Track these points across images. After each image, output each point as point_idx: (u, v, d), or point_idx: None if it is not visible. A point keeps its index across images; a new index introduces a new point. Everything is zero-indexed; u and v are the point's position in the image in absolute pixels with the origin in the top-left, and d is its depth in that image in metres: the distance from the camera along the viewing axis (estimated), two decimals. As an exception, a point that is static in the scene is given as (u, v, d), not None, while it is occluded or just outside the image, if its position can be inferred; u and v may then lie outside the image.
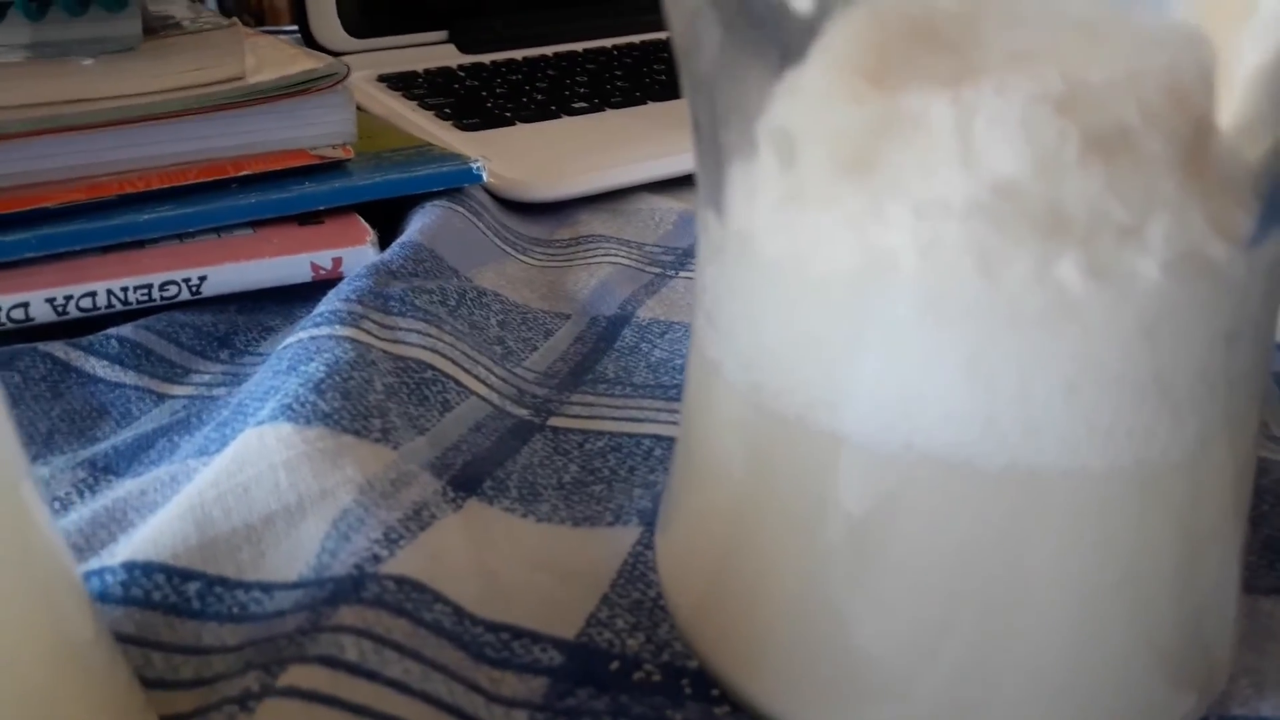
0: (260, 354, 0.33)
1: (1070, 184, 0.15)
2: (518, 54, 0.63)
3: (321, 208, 0.37)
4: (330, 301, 0.30)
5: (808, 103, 0.16)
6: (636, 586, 0.23)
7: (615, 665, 0.21)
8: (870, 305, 0.16)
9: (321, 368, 0.26)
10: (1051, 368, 0.15)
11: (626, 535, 0.24)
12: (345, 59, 0.61)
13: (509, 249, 0.40)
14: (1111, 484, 0.16)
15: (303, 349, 0.28)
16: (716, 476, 0.20)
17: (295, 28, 0.65)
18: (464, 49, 0.65)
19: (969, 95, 0.15)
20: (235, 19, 0.38)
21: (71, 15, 0.33)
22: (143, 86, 0.35)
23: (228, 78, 0.37)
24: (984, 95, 0.15)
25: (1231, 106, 0.15)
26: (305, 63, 0.39)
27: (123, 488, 0.25)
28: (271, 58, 0.40)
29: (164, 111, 0.35)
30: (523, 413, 0.29)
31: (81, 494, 0.26)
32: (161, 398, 0.30)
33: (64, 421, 0.29)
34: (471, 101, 0.55)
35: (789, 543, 0.18)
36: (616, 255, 0.40)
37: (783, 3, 0.15)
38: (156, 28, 0.40)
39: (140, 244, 0.34)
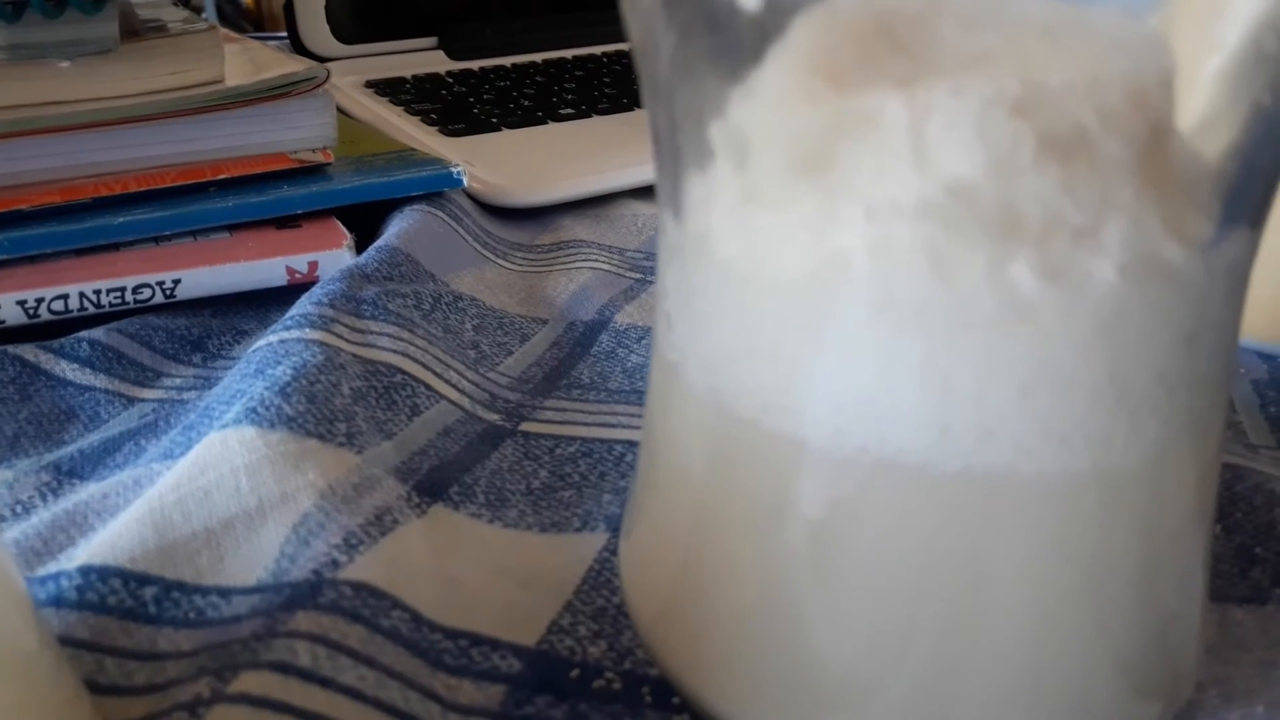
0: (233, 358, 0.33)
1: (1024, 186, 0.14)
2: (507, 61, 0.63)
3: (299, 212, 0.37)
4: (302, 305, 0.30)
5: (764, 104, 0.16)
6: (601, 593, 0.22)
7: (575, 673, 0.20)
8: (824, 307, 0.16)
9: (288, 371, 0.26)
10: (1005, 370, 0.15)
11: (593, 541, 0.24)
12: (333, 64, 0.61)
13: (489, 254, 0.39)
14: (1069, 488, 0.16)
15: (271, 352, 0.28)
16: (677, 481, 0.19)
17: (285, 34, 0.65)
18: (453, 55, 0.64)
19: (923, 96, 0.15)
20: (214, 22, 0.38)
21: (47, 17, 0.33)
22: (120, 89, 0.35)
23: (206, 81, 0.37)
24: (939, 96, 0.14)
25: (1192, 107, 0.15)
26: (286, 66, 0.39)
27: (85, 491, 0.25)
28: (254, 61, 0.40)
29: (141, 114, 0.35)
30: (494, 418, 0.29)
31: (45, 497, 0.25)
32: (131, 401, 0.30)
33: (31, 425, 0.28)
34: (458, 107, 0.55)
35: (748, 548, 0.18)
36: (597, 260, 0.39)
37: (733, 5, 0.15)
38: (140, 30, 0.40)
39: (115, 246, 0.34)
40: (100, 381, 0.30)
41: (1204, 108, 0.15)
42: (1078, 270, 0.14)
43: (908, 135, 0.15)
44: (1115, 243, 0.15)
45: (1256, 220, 0.16)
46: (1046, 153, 0.14)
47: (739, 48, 0.16)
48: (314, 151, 0.39)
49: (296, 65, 0.39)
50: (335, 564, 0.21)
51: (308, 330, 0.28)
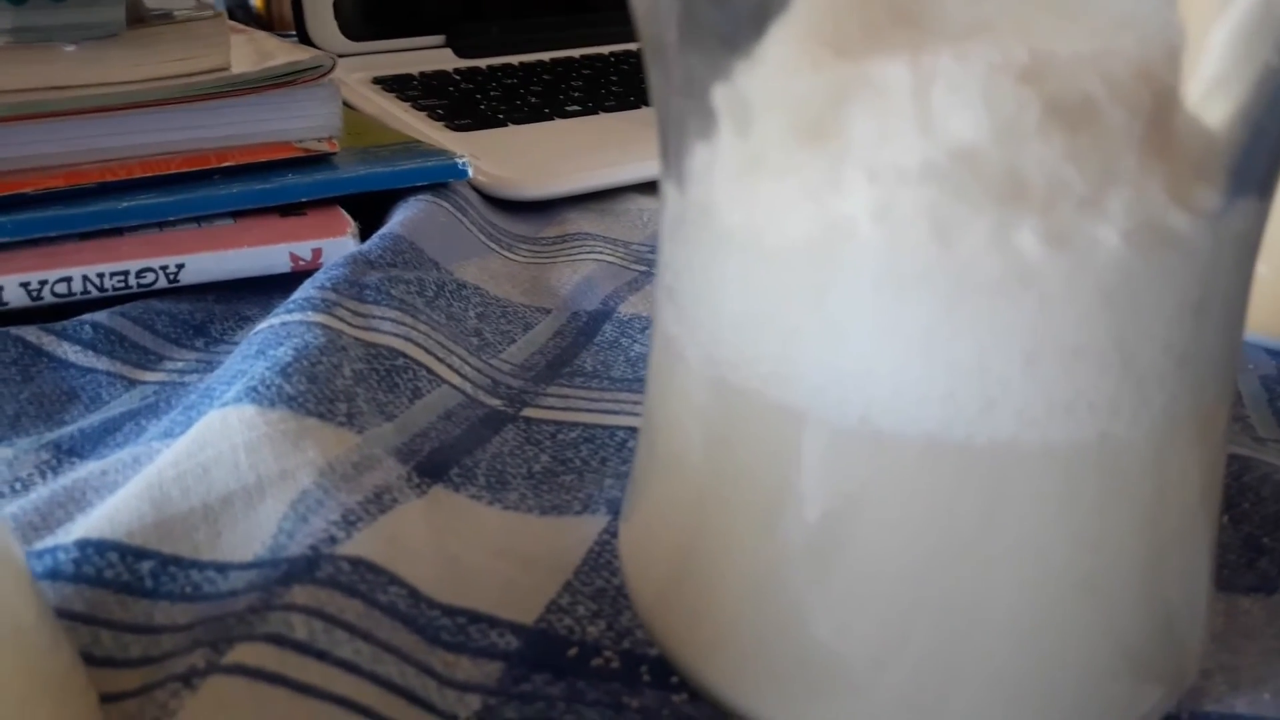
0: (235, 342, 0.32)
1: (1029, 152, 0.14)
2: (514, 59, 0.63)
3: (304, 200, 0.37)
4: (305, 289, 0.30)
5: (768, 71, 0.16)
6: (601, 574, 0.22)
7: (574, 651, 0.20)
8: (826, 274, 0.15)
9: (290, 352, 0.26)
10: (1008, 337, 0.15)
11: (594, 524, 0.24)
12: (341, 61, 0.62)
13: (493, 245, 0.39)
14: (1073, 459, 0.16)
15: (273, 334, 0.28)
16: (677, 459, 0.19)
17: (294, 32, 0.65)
18: (461, 53, 0.65)
19: (929, 61, 0.14)
20: (221, 11, 0.38)
21: (53, 1, 0.33)
22: (125, 74, 0.35)
23: (212, 68, 0.37)
24: (944, 61, 0.14)
25: (1201, 73, 0.15)
26: (292, 55, 0.39)
27: (85, 469, 0.25)
28: (260, 50, 0.40)
29: (146, 100, 0.35)
30: (496, 403, 0.29)
31: (44, 475, 0.25)
32: (133, 383, 0.30)
33: (32, 405, 0.28)
34: (465, 103, 0.55)
35: (749, 525, 0.18)
36: (601, 252, 0.39)
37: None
38: (147, 19, 0.40)
39: (119, 231, 0.34)
40: (102, 364, 0.30)
41: (1213, 72, 0.15)
42: (1082, 237, 0.14)
43: (912, 100, 0.14)
44: (1120, 210, 0.14)
45: (1265, 190, 0.16)
46: (1052, 120, 0.14)
47: (743, 15, 0.16)
48: (319, 140, 0.39)
49: (303, 54, 0.39)
50: (333, 540, 0.21)
51: (310, 313, 0.28)
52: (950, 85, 0.14)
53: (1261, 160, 0.15)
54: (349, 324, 0.28)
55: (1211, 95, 0.15)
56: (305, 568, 0.20)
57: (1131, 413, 0.15)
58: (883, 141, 0.15)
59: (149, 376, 0.30)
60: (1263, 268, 0.34)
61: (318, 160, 0.39)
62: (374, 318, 0.29)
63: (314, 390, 0.25)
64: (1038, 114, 0.14)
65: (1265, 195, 0.16)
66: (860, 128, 0.15)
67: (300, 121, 0.38)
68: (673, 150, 0.18)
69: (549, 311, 0.35)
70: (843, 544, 0.17)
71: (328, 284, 0.30)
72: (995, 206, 0.14)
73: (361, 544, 0.21)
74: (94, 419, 0.28)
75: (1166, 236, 0.15)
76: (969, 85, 0.14)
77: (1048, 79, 0.14)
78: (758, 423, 0.17)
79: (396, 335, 0.29)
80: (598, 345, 0.33)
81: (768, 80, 0.16)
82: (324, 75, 0.38)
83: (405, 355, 0.28)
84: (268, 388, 0.25)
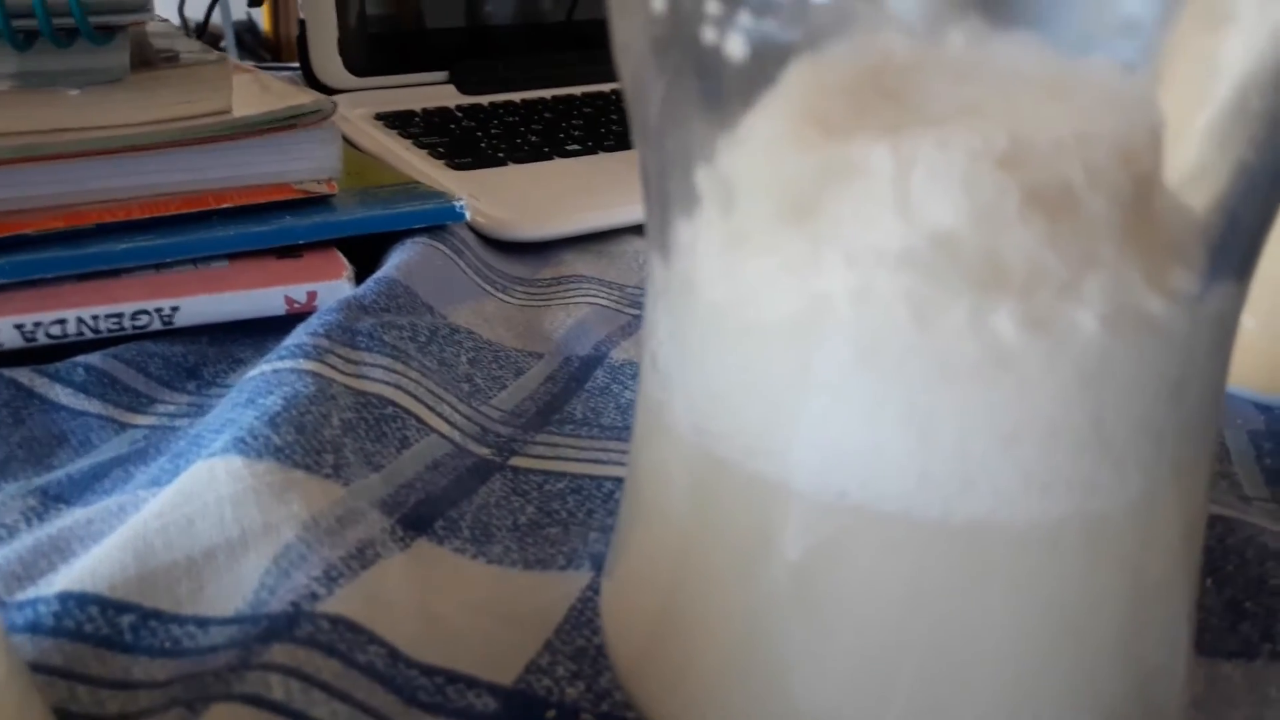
0: (228, 385, 0.33)
1: (1008, 238, 0.14)
2: (516, 96, 0.64)
3: (300, 242, 0.37)
4: (298, 335, 0.30)
5: (751, 151, 0.16)
6: (582, 633, 0.22)
7: (551, 714, 0.20)
8: (806, 352, 0.16)
9: (279, 401, 0.26)
10: (988, 419, 0.15)
11: (578, 579, 0.24)
12: (344, 96, 0.62)
13: (489, 287, 0.39)
14: (1050, 536, 0.16)
15: (264, 382, 0.28)
16: (659, 521, 0.19)
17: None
18: (464, 90, 0.65)
19: (909, 146, 0.15)
20: (225, 54, 0.38)
21: (58, 46, 0.34)
22: (128, 117, 0.35)
23: (213, 111, 0.37)
24: (925, 147, 0.14)
25: (1179, 163, 0.15)
26: (293, 98, 0.39)
27: (70, 516, 0.25)
28: (263, 92, 0.41)
29: (148, 142, 0.35)
30: (484, 451, 0.29)
31: (29, 522, 0.25)
32: (123, 427, 0.30)
33: (22, 448, 0.28)
34: (466, 141, 0.55)
35: (729, 593, 0.18)
36: (596, 296, 0.39)
37: (720, 54, 0.15)
38: (154, 61, 0.40)
39: (115, 272, 0.34)
40: (94, 407, 0.30)
41: (1191, 163, 0.15)
42: (1060, 321, 0.14)
43: (893, 184, 0.15)
44: (1097, 295, 0.14)
45: (1242, 274, 0.16)
46: (1031, 207, 0.14)
47: (727, 95, 0.16)
48: (318, 182, 0.39)
49: (304, 97, 0.39)
50: (314, 596, 0.21)
51: (301, 361, 0.28)
52: (930, 171, 0.14)
53: (1239, 247, 0.15)
54: (340, 371, 0.29)
55: (1190, 186, 0.15)
56: (285, 625, 0.20)
57: (1109, 490, 0.15)
58: (863, 224, 0.15)
59: (139, 420, 0.30)
60: (1250, 321, 0.34)
61: (316, 202, 0.39)
62: (365, 365, 0.29)
63: (301, 441, 0.25)
64: (1017, 201, 0.14)
65: (1242, 279, 0.16)
66: (842, 210, 0.15)
67: (300, 164, 0.38)
68: (658, 223, 0.18)
69: (541, 356, 0.35)
70: (824, 613, 0.17)
71: (320, 330, 0.30)
72: (973, 291, 0.14)
73: (342, 601, 0.21)
74: (82, 464, 0.28)
75: (1143, 320, 0.15)
76: (949, 172, 0.14)
77: (1028, 165, 0.14)
78: (738, 492, 0.17)
79: (387, 383, 0.29)
80: (588, 391, 0.33)
81: (752, 159, 0.16)
82: (325, 119, 0.38)
83: (395, 404, 0.28)
84: (255, 438, 0.25)
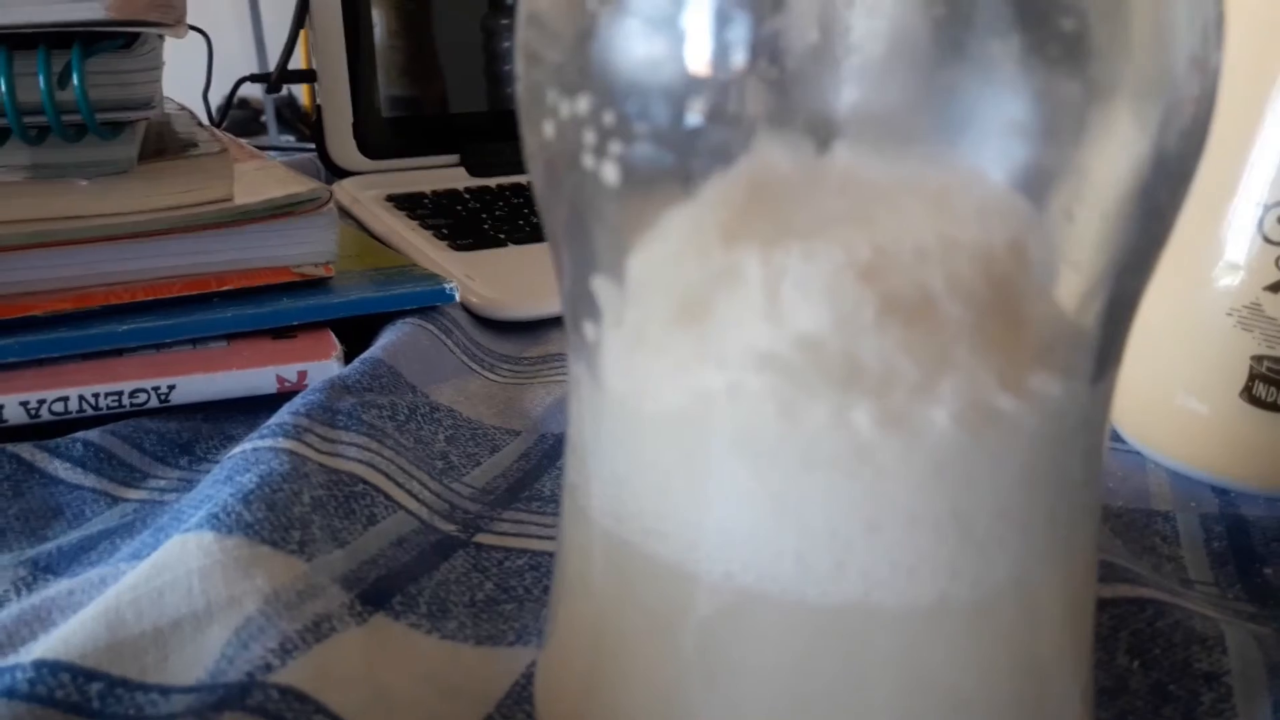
0: (218, 461, 0.34)
1: (866, 343, 0.16)
2: (523, 178, 0.66)
3: (295, 323, 0.39)
4: (281, 414, 0.32)
5: (654, 255, 0.18)
6: (522, 707, 0.23)
7: (483, 782, 0.21)
8: (692, 443, 0.17)
9: (254, 479, 0.28)
10: (851, 507, 0.16)
11: (524, 655, 0.25)
12: (357, 178, 0.65)
13: (475, 365, 0.41)
14: (926, 618, 0.17)
15: (243, 459, 0.29)
16: (581, 597, 0.20)
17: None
18: (473, 172, 0.68)
19: (779, 257, 0.16)
20: (226, 147, 0.41)
21: (68, 141, 0.36)
22: (134, 205, 0.38)
23: (216, 199, 0.39)
24: (792, 259, 0.16)
25: (1042, 270, 0.16)
26: (293, 186, 0.41)
27: (55, 587, 0.27)
28: (266, 180, 0.43)
29: (153, 229, 0.38)
30: (450, 528, 0.30)
31: (19, 592, 0.27)
32: (116, 500, 0.32)
33: (18, 520, 0.30)
34: (470, 223, 0.58)
35: (643, 665, 0.19)
36: (578, 375, 0.41)
37: (600, 182, 0.16)
38: (173, 148, 0.43)
39: (118, 352, 0.37)
40: (90, 481, 0.32)
41: (1053, 271, 0.16)
42: (914, 418, 0.16)
43: (763, 292, 0.16)
44: (950, 393, 0.16)
45: (1103, 374, 0.17)
46: (889, 315, 0.16)
47: (614, 214, 0.17)
48: (316, 266, 0.41)
49: (304, 185, 0.42)
50: (268, 667, 0.22)
51: (280, 439, 0.30)
52: (796, 281, 0.16)
53: (1098, 350, 0.17)
54: (315, 449, 0.30)
55: (1051, 292, 0.16)
56: (238, 694, 0.22)
57: (973, 576, 0.17)
58: (740, 328, 0.16)
59: (132, 494, 0.32)
60: (1203, 408, 0.35)
61: (313, 284, 0.41)
62: (341, 443, 0.31)
63: (271, 518, 0.27)
64: (874, 310, 0.16)
65: (1104, 379, 0.17)
66: (725, 314, 0.17)
67: (298, 248, 0.41)
68: (571, 319, 0.19)
69: (519, 433, 0.36)
70: (724, 690, 0.18)
71: (302, 410, 0.32)
72: (834, 391, 0.16)
73: (293, 672, 0.22)
74: (73, 536, 0.29)
75: (994, 417, 0.16)
76: (813, 282, 0.16)
77: (888, 275, 0.16)
78: (641, 571, 0.18)
79: (360, 461, 0.30)
80: (559, 469, 0.34)
81: (651, 265, 0.18)
82: (322, 206, 0.41)
83: (365, 481, 0.30)
84: (228, 514, 0.26)
